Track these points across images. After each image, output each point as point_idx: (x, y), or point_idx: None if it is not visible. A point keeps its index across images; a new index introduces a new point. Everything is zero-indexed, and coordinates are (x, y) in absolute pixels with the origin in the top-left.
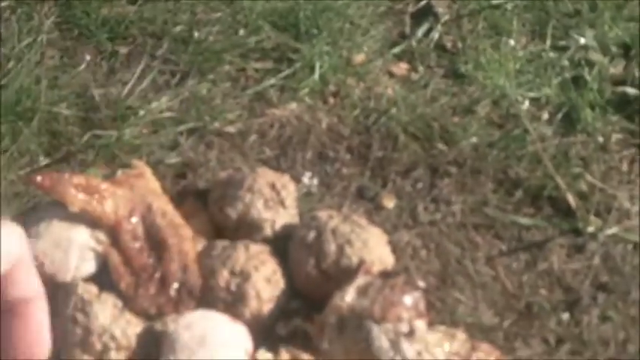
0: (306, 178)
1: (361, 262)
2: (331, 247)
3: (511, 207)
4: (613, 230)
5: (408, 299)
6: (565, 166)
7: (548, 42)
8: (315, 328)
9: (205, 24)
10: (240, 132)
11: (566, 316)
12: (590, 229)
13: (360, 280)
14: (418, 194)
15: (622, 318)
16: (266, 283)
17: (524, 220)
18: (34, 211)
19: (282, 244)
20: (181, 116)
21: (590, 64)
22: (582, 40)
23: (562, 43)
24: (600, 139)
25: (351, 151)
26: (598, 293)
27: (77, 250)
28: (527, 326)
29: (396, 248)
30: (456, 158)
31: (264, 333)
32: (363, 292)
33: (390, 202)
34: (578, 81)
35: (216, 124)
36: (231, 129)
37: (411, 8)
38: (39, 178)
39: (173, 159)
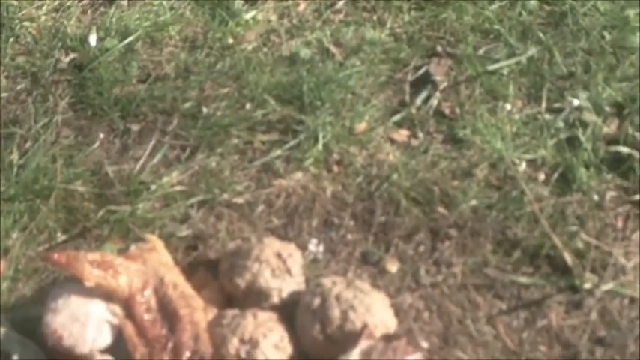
0: (312, 245)
1: (364, 326)
2: (335, 313)
3: (510, 267)
4: (609, 286)
5: None
6: (561, 225)
7: (544, 104)
8: None
9: (213, 100)
10: (249, 203)
11: None
12: (587, 285)
13: (364, 343)
14: (420, 257)
15: None
16: (274, 349)
17: (523, 279)
18: (52, 286)
19: (289, 310)
20: (192, 190)
21: (584, 125)
22: (576, 102)
23: (557, 105)
24: (595, 197)
25: (355, 217)
26: (596, 348)
27: (94, 322)
28: None
29: (399, 310)
30: (456, 221)
31: None
32: (366, 355)
33: (393, 266)
34: (572, 141)
35: (225, 196)
36: (239, 200)
37: (410, 77)
38: (56, 256)
39: (184, 231)
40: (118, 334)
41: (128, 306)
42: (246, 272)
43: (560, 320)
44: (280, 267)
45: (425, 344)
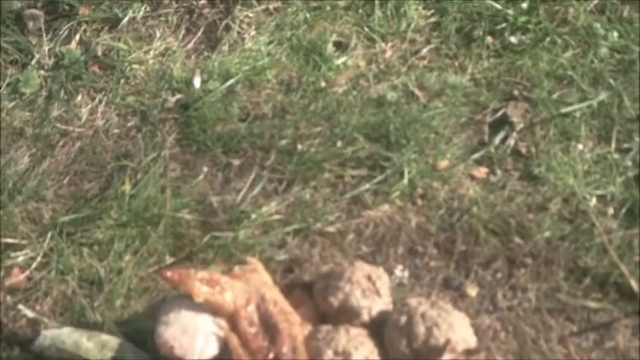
0: (398, 271)
1: (447, 342)
2: (421, 329)
3: (581, 292)
4: None
5: None
6: (629, 255)
7: (613, 145)
8: None
9: (307, 137)
10: (340, 231)
11: None
12: None
13: (446, 357)
14: (498, 283)
15: None
16: None
17: (593, 304)
18: (163, 301)
19: (378, 328)
20: (288, 219)
21: None
22: None
23: (626, 145)
24: None
25: (438, 246)
26: None
27: (202, 335)
28: None
29: (478, 331)
30: (531, 251)
31: None
32: None
33: (473, 291)
34: None
35: (319, 225)
36: (331, 229)
37: (488, 118)
38: (169, 274)
39: (282, 256)
40: (224, 345)
41: (233, 320)
42: (339, 292)
43: (627, 342)
44: (370, 288)
45: None
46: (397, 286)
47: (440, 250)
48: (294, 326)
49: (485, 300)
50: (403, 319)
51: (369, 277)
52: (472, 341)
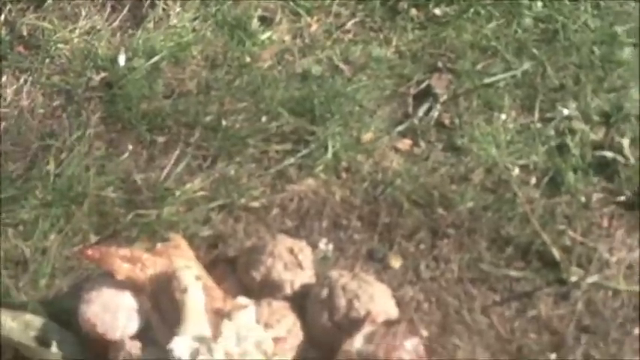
0: (322, 244)
1: (367, 313)
2: (341, 302)
3: (503, 262)
4: (594, 279)
5: (408, 344)
6: (551, 224)
7: (536, 114)
8: None
9: (232, 113)
10: (264, 206)
11: (553, 356)
12: (574, 278)
13: (367, 328)
14: (421, 254)
15: (603, 356)
16: (287, 334)
17: (515, 273)
18: (86, 281)
19: (301, 301)
20: (212, 195)
21: (573, 132)
22: (566, 111)
23: (548, 114)
24: (582, 198)
25: (362, 219)
26: (581, 335)
27: (124, 312)
28: None
29: (401, 302)
30: (454, 221)
31: None
32: (369, 338)
33: (396, 263)
34: (562, 148)
35: (243, 201)
36: (256, 204)
37: (412, 90)
38: (90, 252)
39: (206, 232)
40: (146, 322)
41: (155, 296)
42: (262, 266)
43: (549, 310)
44: (292, 261)
45: (425, 333)
46: (321, 260)
47: (364, 222)
48: (216, 301)
49: (409, 271)
50: (324, 292)
51: (291, 251)
52: (393, 312)
